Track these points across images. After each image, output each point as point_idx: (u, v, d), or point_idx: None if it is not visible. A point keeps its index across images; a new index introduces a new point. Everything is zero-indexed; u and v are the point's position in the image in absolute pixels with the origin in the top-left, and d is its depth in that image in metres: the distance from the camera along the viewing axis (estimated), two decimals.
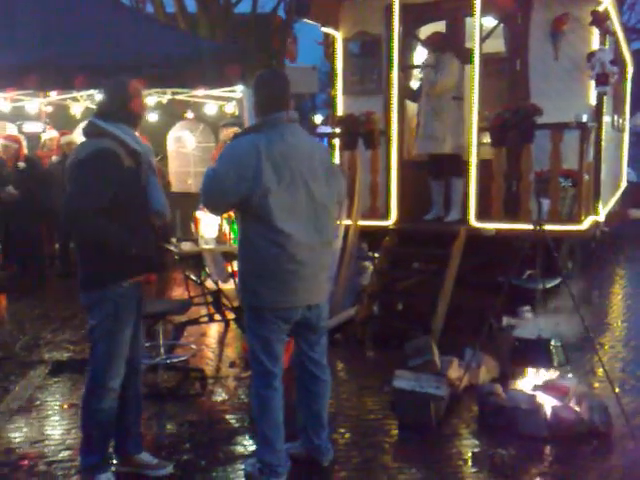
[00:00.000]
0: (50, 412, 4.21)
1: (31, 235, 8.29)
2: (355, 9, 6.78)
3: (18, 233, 8.12)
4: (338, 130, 6.51)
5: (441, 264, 5.57)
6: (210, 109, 9.24)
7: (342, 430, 3.87)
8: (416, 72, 6.71)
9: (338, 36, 6.87)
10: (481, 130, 5.79)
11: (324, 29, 6.87)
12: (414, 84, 6.63)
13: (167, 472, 3.31)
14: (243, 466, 3.38)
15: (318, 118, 20.63)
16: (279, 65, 12.07)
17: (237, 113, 8.53)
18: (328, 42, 7.08)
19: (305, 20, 6.60)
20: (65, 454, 3.57)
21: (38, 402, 4.38)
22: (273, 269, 3.01)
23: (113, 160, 2.93)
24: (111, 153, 2.94)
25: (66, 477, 3.32)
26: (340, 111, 6.82)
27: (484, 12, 5.79)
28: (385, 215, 6.21)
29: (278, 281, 3.02)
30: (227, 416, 4.13)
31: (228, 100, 8.80)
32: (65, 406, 4.31)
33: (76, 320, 6.35)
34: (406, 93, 6.40)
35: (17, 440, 3.78)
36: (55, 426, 3.98)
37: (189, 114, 9.68)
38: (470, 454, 3.59)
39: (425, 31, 6.54)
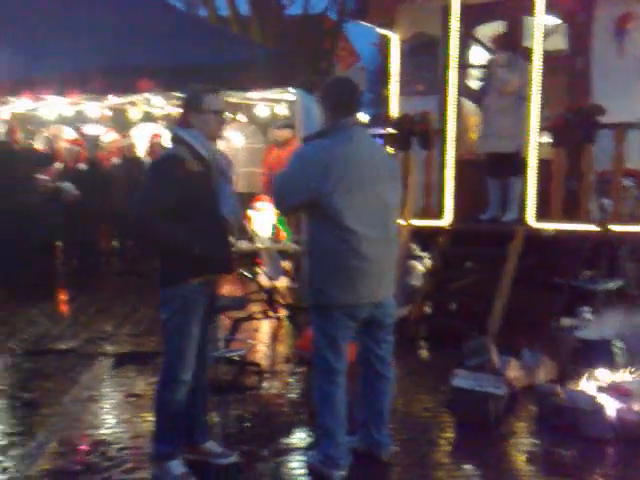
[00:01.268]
0: (116, 402, 4.38)
1: (90, 233, 8.62)
2: (412, 11, 6.83)
3: (78, 231, 8.43)
4: (392, 130, 6.53)
5: (497, 264, 5.54)
6: (261, 111, 9.38)
7: (399, 426, 3.89)
8: (474, 71, 6.70)
9: (394, 37, 6.91)
10: (542, 130, 5.74)
11: (380, 30, 6.92)
12: (472, 83, 6.63)
13: (231, 461, 3.40)
14: (304, 457, 3.45)
15: (364, 116, 20.71)
16: (329, 66, 12.16)
17: (289, 115, 8.65)
18: (383, 43, 7.13)
19: (361, 23, 6.67)
20: (135, 441, 3.70)
21: (105, 392, 4.57)
22: (340, 267, 3.09)
23: (176, 165, 3.04)
24: (176, 158, 3.05)
25: (137, 462, 3.45)
26: (394, 111, 6.84)
27: (546, 11, 5.74)
28: (439, 215, 6.21)
29: (345, 278, 3.10)
30: (285, 409, 4.23)
31: (279, 102, 8.92)
32: (130, 396, 4.45)
33: (136, 315, 6.53)
34: (465, 92, 6.40)
35: (89, 428, 3.94)
36: (122, 415, 4.14)
37: (240, 117, 9.80)
38: (528, 453, 3.58)
39: (482, 31, 6.53)
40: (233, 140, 10.35)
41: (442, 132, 6.19)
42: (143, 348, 5.51)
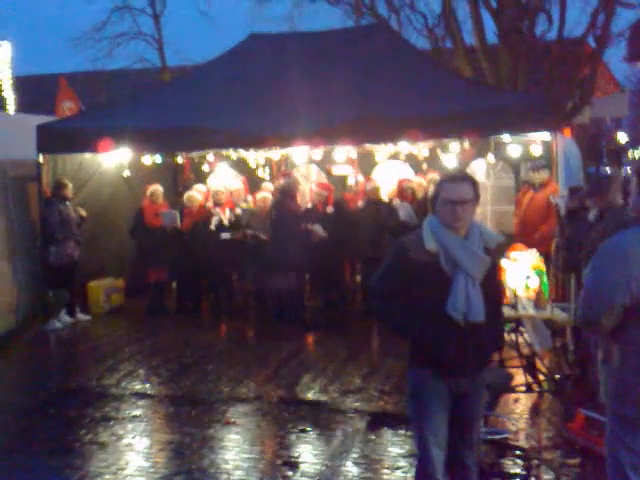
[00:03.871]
0: (375, 474, 4.28)
1: (335, 272, 8.93)
2: None
3: (324, 270, 8.73)
4: None
5: None
6: (514, 150, 8.83)
7: None
8: None
9: None
10: None
11: None
12: None
13: None
14: None
15: (622, 136, 19.09)
16: (586, 95, 11.17)
17: (543, 154, 8.07)
18: None
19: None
20: None
21: (360, 460, 4.48)
22: None
23: (399, 253, 3.14)
24: (400, 246, 3.14)
25: None
26: None
27: None
28: None
29: None
30: None
31: (533, 140, 8.34)
32: (390, 469, 4.33)
33: (384, 367, 6.42)
34: None
35: None
36: None
37: (490, 157, 9.33)
38: None
39: None
40: (480, 177, 9.98)
41: None
42: (395, 408, 5.35)
